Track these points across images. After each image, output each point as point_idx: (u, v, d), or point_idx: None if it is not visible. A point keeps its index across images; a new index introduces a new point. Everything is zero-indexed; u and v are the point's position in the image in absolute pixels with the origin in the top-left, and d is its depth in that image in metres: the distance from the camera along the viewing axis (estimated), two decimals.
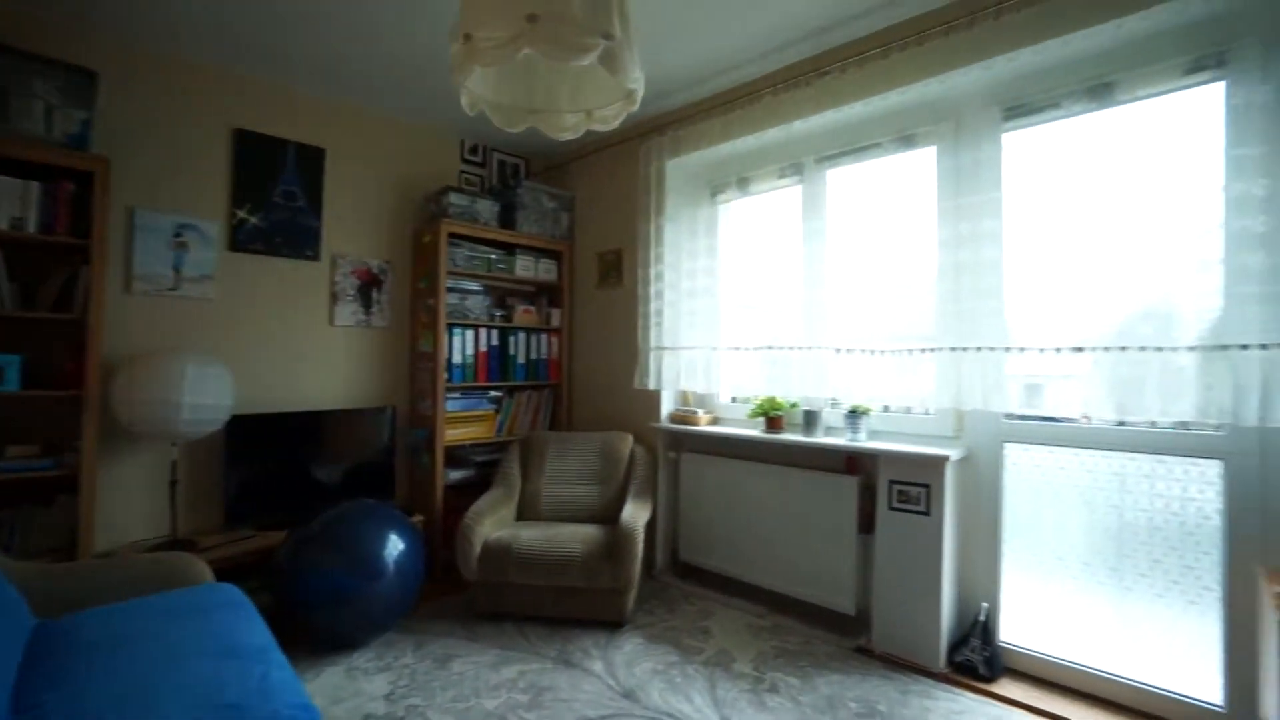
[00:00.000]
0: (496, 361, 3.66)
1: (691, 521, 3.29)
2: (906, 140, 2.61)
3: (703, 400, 3.44)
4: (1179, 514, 2.07)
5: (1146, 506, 2.14)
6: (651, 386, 3.35)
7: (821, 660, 2.46)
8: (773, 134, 2.89)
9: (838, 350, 2.67)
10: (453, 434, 3.39)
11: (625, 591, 2.72)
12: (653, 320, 3.34)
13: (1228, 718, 1.92)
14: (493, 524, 2.92)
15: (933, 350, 2.40)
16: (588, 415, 3.90)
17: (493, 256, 3.62)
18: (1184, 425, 2.01)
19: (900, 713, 2.11)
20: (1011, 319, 2.26)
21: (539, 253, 3.85)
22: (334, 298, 3.35)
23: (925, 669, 2.36)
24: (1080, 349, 2.07)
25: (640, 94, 1.68)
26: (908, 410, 2.66)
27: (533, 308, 3.87)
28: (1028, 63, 2.20)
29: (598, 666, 2.41)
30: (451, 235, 3.38)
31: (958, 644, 2.39)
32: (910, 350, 2.48)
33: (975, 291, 2.28)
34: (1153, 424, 2.08)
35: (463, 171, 3.86)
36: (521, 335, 3.78)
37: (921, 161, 2.58)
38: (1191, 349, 1.86)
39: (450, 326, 3.40)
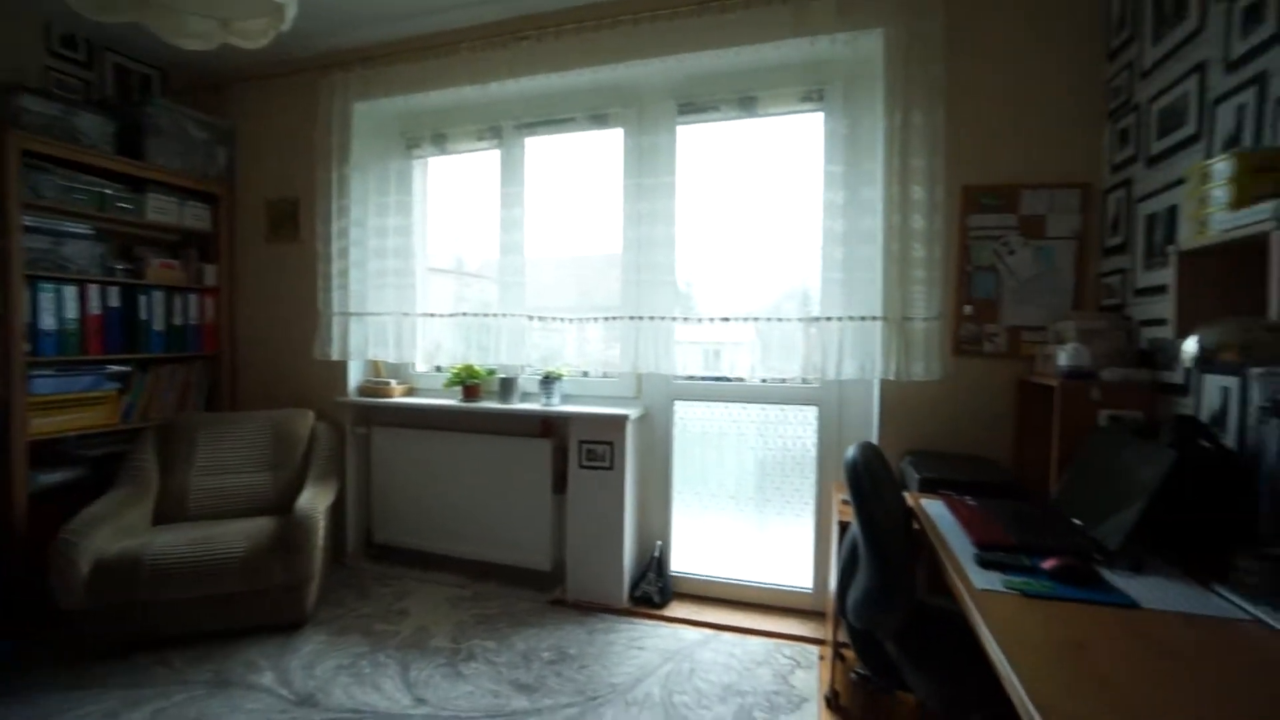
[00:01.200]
0: (119, 328, 2.86)
1: (386, 500, 3.07)
2: (599, 119, 2.75)
3: (396, 370, 3.20)
4: (793, 450, 2.65)
5: (776, 446, 2.68)
6: (335, 356, 2.99)
7: (520, 619, 2.54)
8: (471, 93, 2.77)
9: (531, 318, 2.73)
10: (46, 423, 2.56)
11: (304, 586, 2.42)
12: (336, 282, 2.97)
13: (813, 596, 2.56)
14: (113, 534, 2.31)
15: (616, 319, 2.60)
16: (258, 391, 3.32)
17: (108, 192, 2.78)
18: (806, 381, 2.56)
19: (587, 650, 2.30)
20: (689, 292, 2.58)
21: (185, 193, 3.09)
22: None
23: (611, 607, 2.62)
24: (728, 319, 2.47)
25: (291, 12, 1.43)
26: (584, 374, 2.86)
27: (176, 261, 3.10)
28: (696, 66, 2.49)
29: (267, 679, 2.10)
30: (32, 155, 2.49)
31: (638, 580, 2.70)
32: (598, 319, 2.66)
33: (652, 265, 2.54)
34: (783, 380, 2.60)
35: (52, 69, 2.86)
36: (158, 295, 3.01)
37: (612, 140, 2.75)
38: (800, 320, 2.36)
39: (34, 280, 2.53)
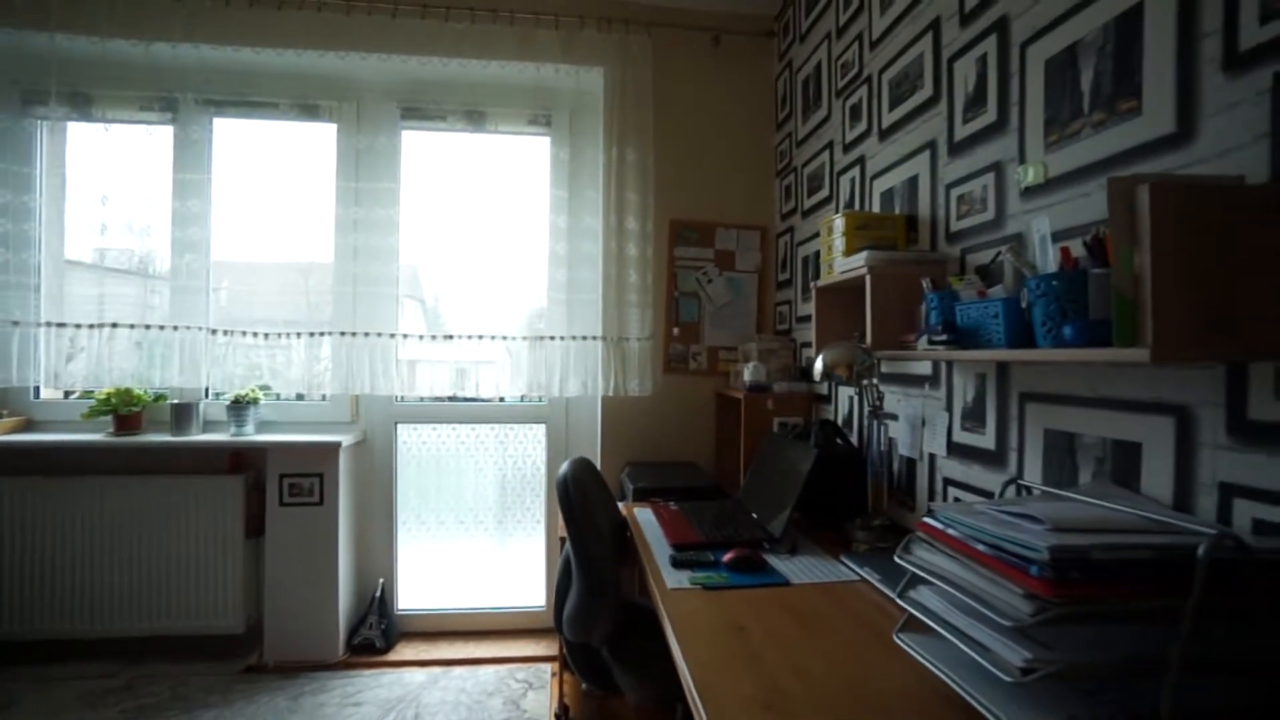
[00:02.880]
0: None
1: None
2: (309, 109, 2.45)
3: (3, 397, 2.40)
4: (523, 468, 2.65)
5: (506, 466, 2.65)
6: None
7: (200, 700, 2.08)
8: (133, 47, 2.23)
9: (215, 332, 2.29)
10: None
11: None
12: None
13: (547, 614, 2.58)
14: None
15: (326, 334, 2.33)
16: None
17: None
18: (536, 400, 2.57)
19: (291, 717, 1.98)
20: (416, 308, 2.41)
21: None
22: None
23: (324, 663, 2.30)
24: (451, 336, 2.38)
25: None
26: (299, 397, 2.51)
27: None
28: (421, 71, 2.37)
29: None
30: None
31: (357, 626, 2.43)
32: (301, 334, 2.34)
33: (370, 277, 2.33)
34: (502, 399, 2.59)
35: None
36: None
37: (323, 136, 2.46)
38: (526, 339, 2.38)
39: None
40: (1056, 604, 0.64)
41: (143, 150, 2.46)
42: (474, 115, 2.49)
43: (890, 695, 0.83)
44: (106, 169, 2.45)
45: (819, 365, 1.39)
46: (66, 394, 2.44)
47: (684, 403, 2.49)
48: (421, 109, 2.47)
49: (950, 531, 0.82)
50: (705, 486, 2.09)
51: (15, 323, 2.21)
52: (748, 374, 2.13)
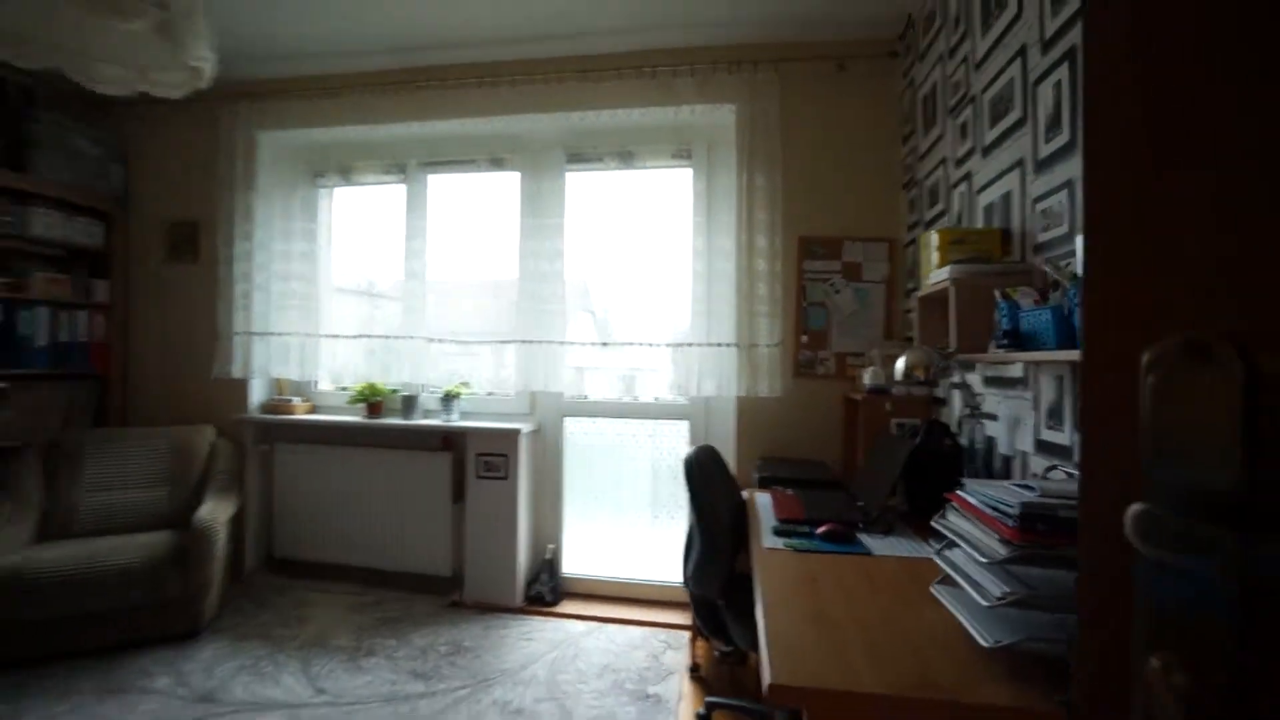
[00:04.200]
0: None
1: (288, 514, 3.16)
2: (497, 162, 3.06)
3: (300, 388, 3.32)
4: (671, 459, 3.02)
5: (658, 455, 3.04)
6: (236, 375, 3.08)
7: (419, 620, 2.74)
8: (378, 131, 3.01)
9: (432, 340, 2.97)
10: None
11: (202, 597, 2.50)
12: (238, 303, 3.07)
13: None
14: None
15: (512, 343, 2.89)
16: (154, 408, 3.31)
17: None
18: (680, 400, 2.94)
19: (481, 643, 2.54)
20: (583, 319, 2.91)
21: (72, 209, 3.09)
22: None
23: (507, 607, 2.86)
24: (607, 344, 2.83)
25: (209, 73, 1.64)
26: (490, 394, 3.12)
27: (64, 277, 3.09)
28: (581, 123, 2.86)
29: (162, 683, 2.19)
30: None
31: (531, 581, 2.96)
32: (495, 342, 2.94)
33: (543, 296, 2.86)
34: (656, 399, 2.98)
35: None
36: (43, 310, 2.99)
37: (508, 183, 3.06)
38: (669, 345, 2.75)
39: None
40: (1021, 546, 0.84)
41: (381, 202, 3.26)
42: (624, 155, 2.93)
43: (914, 627, 1.04)
44: (358, 218, 3.29)
45: (899, 367, 1.56)
46: (342, 387, 3.29)
47: (812, 405, 2.69)
48: (581, 153, 2.96)
49: (970, 499, 1.01)
50: (824, 479, 2.29)
51: (308, 335, 3.08)
52: (868, 378, 2.29)
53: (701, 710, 2.04)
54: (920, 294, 1.73)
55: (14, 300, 2.88)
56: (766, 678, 0.89)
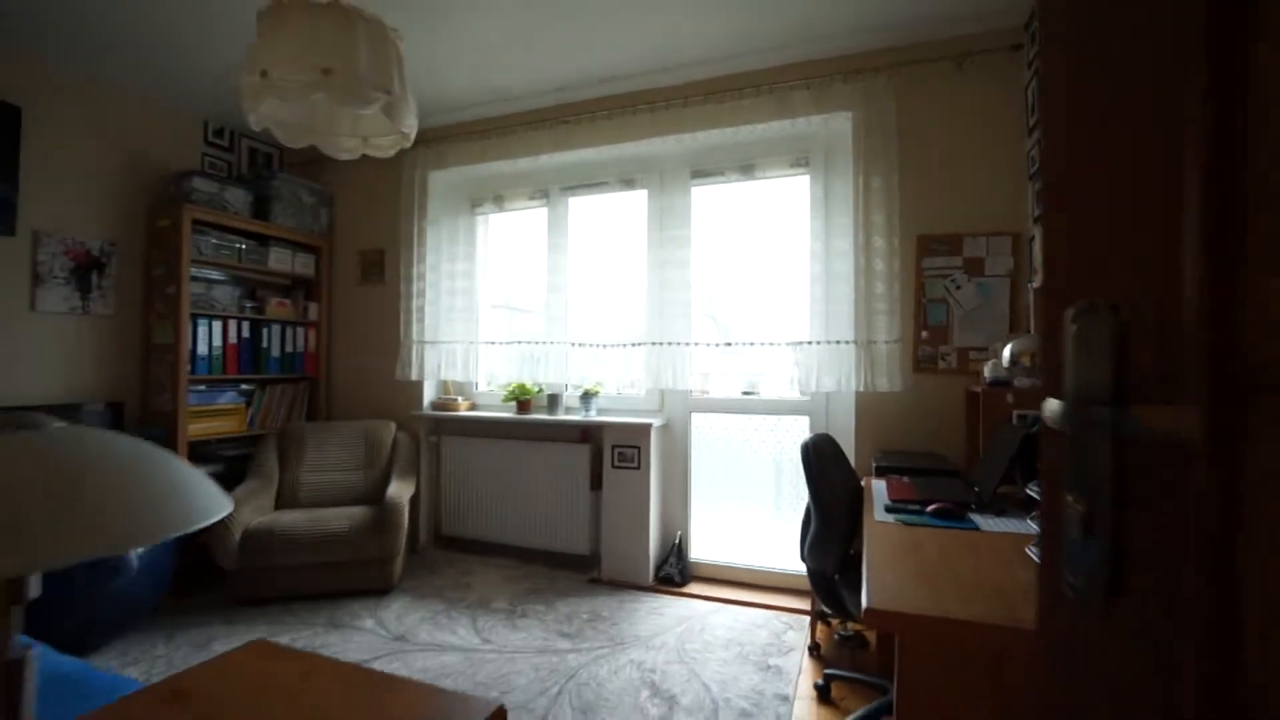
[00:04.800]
0: (248, 354, 3.60)
1: (453, 497, 3.69)
2: (628, 182, 3.39)
3: (461, 389, 3.86)
4: (793, 453, 3.16)
5: (780, 449, 3.19)
6: (414, 377, 3.66)
7: (563, 591, 3.10)
8: (523, 162, 3.47)
9: (573, 344, 3.35)
10: (198, 428, 3.28)
11: (392, 560, 3.04)
12: (414, 316, 3.66)
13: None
14: (251, 512, 2.99)
15: (642, 345, 3.19)
16: (348, 406, 4.02)
17: (243, 247, 3.55)
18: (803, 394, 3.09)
19: (617, 614, 2.84)
20: (706, 321, 3.16)
21: (296, 246, 3.86)
22: (37, 279, 2.99)
23: (639, 585, 3.14)
24: (730, 344, 3.03)
25: (414, 135, 2.09)
26: (620, 394, 3.44)
27: (288, 301, 3.86)
28: (705, 141, 3.11)
29: (368, 623, 2.71)
30: (197, 222, 3.27)
31: (661, 563, 3.23)
32: (627, 345, 3.25)
33: (670, 302, 3.13)
34: (778, 397, 3.14)
35: (207, 155, 3.69)
36: (276, 328, 3.76)
37: (637, 200, 3.38)
38: (789, 344, 2.91)
39: (194, 317, 3.28)
40: None
41: (527, 224, 3.73)
42: (745, 167, 3.14)
43: (1007, 580, 1.15)
44: (508, 239, 3.78)
45: (1005, 354, 1.62)
46: (497, 387, 3.79)
47: (933, 399, 2.71)
48: (705, 170, 3.20)
49: None
50: (941, 468, 2.33)
51: (470, 342, 3.60)
52: (988, 370, 2.30)
53: (820, 681, 2.17)
54: (1035, 285, 1.77)
55: (258, 320, 3.66)
56: (864, 604, 1.06)
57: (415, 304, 3.68)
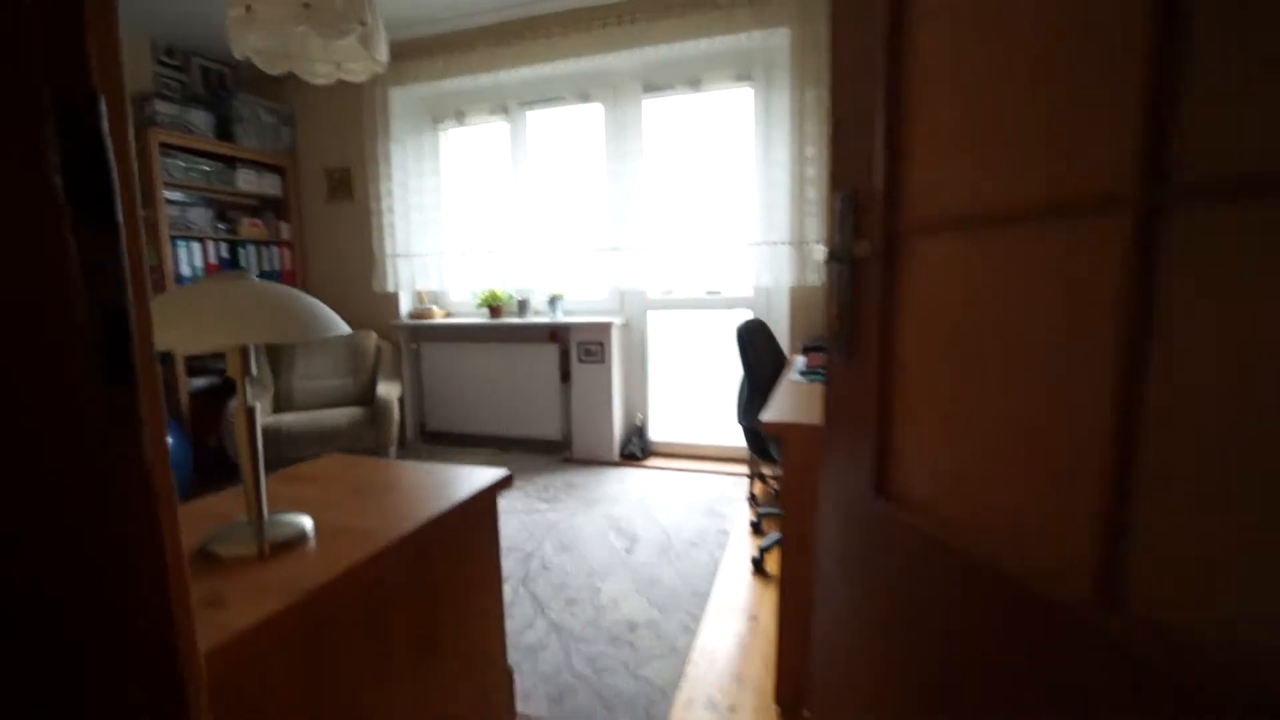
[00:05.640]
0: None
1: (434, 397, 4.07)
2: (584, 96, 3.59)
3: (436, 298, 4.15)
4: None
5: (726, 340, 3.64)
6: (390, 289, 3.94)
7: (540, 469, 3.57)
8: (484, 78, 3.60)
9: (537, 252, 3.66)
10: None
11: (385, 451, 3.44)
12: (386, 232, 3.88)
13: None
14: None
15: (601, 250, 3.52)
16: None
17: (209, 169, 3.66)
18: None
19: (588, 482, 3.33)
20: (659, 230, 3.49)
21: (261, 167, 3.96)
22: None
23: (606, 460, 3.64)
24: (681, 247, 3.38)
25: (386, 61, 2.29)
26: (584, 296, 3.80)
27: (259, 221, 4.01)
28: (655, 56, 3.31)
29: None
30: (164, 145, 3.37)
31: (625, 443, 3.71)
32: (589, 250, 3.58)
33: (627, 211, 3.43)
34: (722, 293, 3.55)
35: (160, 75, 3.70)
36: (251, 248, 3.94)
37: (594, 113, 3.59)
38: (733, 246, 3.28)
39: (174, 239, 3.45)
40: None
41: (490, 140, 3.91)
42: (693, 80, 3.37)
43: None
44: (470, 153, 3.97)
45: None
46: (470, 294, 4.09)
47: None
48: (656, 84, 3.42)
49: None
50: None
51: (440, 254, 3.86)
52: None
53: (754, 518, 2.72)
54: None
55: (234, 241, 3.83)
56: (762, 419, 1.50)
57: (386, 220, 3.88)
